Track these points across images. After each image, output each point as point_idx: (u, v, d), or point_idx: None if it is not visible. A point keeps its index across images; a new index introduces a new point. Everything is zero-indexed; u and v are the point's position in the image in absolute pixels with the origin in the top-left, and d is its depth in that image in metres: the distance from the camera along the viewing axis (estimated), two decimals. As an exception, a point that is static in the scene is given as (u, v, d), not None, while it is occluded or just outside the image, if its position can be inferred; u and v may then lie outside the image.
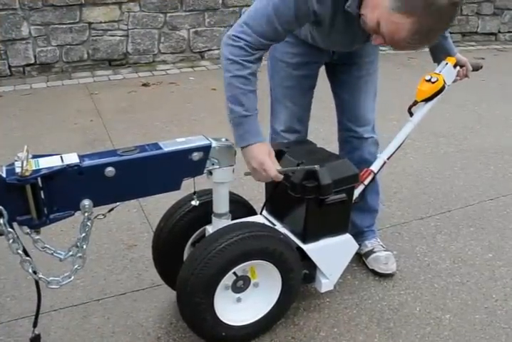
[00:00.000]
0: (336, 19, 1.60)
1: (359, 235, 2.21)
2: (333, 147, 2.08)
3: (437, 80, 1.93)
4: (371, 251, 2.22)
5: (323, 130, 3.36)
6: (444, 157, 3.38)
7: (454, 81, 2.03)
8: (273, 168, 1.62)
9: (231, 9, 5.47)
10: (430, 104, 2.00)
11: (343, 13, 1.56)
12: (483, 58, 5.48)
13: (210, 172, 1.63)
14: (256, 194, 2.61)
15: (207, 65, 5.44)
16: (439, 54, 2.04)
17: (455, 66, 2.00)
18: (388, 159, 1.99)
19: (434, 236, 2.49)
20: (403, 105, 2.10)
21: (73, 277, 1.49)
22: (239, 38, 1.55)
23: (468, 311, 1.98)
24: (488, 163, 3.29)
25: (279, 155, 1.82)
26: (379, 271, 2.17)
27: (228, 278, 1.66)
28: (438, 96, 1.97)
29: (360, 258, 2.24)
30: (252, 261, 1.67)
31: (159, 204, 2.54)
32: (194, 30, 5.44)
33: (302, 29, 1.78)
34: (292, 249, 1.74)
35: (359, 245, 2.22)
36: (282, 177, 1.65)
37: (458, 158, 3.35)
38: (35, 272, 1.44)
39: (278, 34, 1.58)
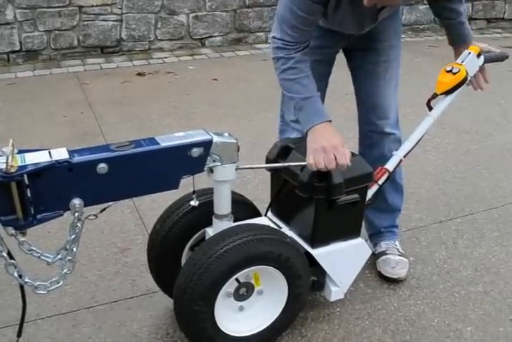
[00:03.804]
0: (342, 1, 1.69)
1: (376, 235, 2.22)
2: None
3: (459, 70, 1.92)
4: (384, 253, 2.22)
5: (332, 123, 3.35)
6: (466, 154, 3.37)
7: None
8: (346, 151, 1.69)
9: (234, -8, 5.49)
10: (451, 97, 1.99)
11: None
12: (509, 47, 5.45)
13: (211, 170, 1.63)
14: (260, 194, 2.62)
15: (208, 53, 5.45)
16: (455, 41, 2.08)
17: (478, 55, 2.00)
18: (404, 156, 1.99)
19: (455, 241, 2.48)
20: (421, 98, 2.10)
21: (61, 282, 1.50)
22: (274, 38, 1.75)
23: (491, 323, 1.98)
24: (515, 162, 3.28)
25: (285, 152, 1.83)
26: (384, 274, 2.16)
27: (230, 285, 1.67)
28: (460, 88, 1.97)
29: (374, 265, 2.24)
30: (256, 267, 1.67)
31: (155, 205, 2.55)
32: (194, 14, 5.44)
33: None
34: (300, 253, 1.75)
35: (375, 245, 2.23)
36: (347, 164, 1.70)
37: (481, 156, 3.34)
38: (20, 276, 1.45)
39: (304, 21, 1.70)
